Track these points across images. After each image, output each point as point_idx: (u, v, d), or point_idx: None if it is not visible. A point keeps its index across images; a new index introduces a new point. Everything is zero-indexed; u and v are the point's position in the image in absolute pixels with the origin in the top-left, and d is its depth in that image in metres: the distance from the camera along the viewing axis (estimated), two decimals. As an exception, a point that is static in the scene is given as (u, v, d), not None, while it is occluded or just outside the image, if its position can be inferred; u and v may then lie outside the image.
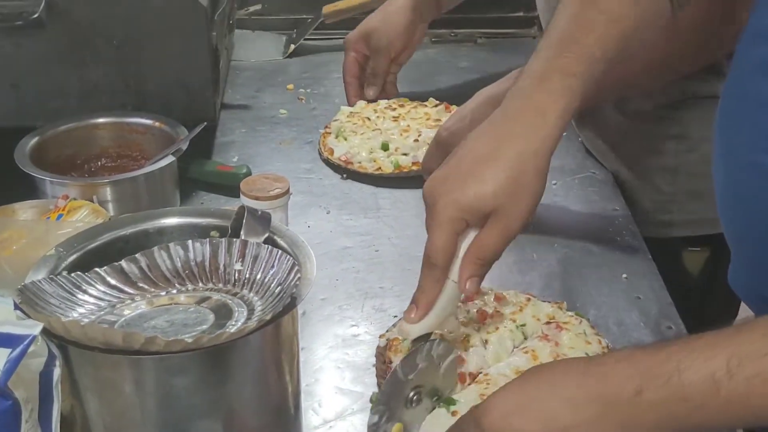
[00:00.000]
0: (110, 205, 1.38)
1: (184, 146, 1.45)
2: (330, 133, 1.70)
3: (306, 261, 0.90)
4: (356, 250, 1.42)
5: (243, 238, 0.93)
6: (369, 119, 1.72)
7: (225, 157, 1.66)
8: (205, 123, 1.48)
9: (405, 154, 1.60)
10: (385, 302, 1.30)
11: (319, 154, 1.68)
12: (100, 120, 1.53)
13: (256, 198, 1.30)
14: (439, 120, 1.67)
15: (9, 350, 0.72)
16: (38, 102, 1.55)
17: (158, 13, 1.51)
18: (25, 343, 0.72)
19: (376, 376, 1.16)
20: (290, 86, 1.94)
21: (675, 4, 1.15)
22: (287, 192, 1.32)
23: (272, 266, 0.89)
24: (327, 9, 2.06)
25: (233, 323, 0.84)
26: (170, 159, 1.42)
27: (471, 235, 1.03)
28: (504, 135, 1.04)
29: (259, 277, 0.89)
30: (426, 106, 1.76)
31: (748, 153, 0.98)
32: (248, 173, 1.55)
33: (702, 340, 0.82)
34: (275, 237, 0.95)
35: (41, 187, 1.39)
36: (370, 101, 1.78)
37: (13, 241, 1.21)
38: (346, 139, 1.66)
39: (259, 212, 0.95)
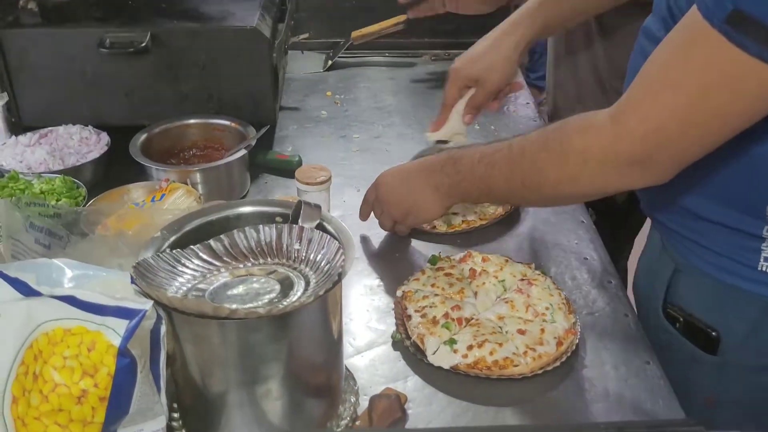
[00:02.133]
0: (199, 186, 1.33)
1: (253, 143, 1.39)
2: None
3: (348, 244, 0.85)
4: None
5: (300, 224, 0.88)
6: None
7: (282, 148, 1.60)
8: (268, 126, 1.43)
9: (454, 213, 1.31)
10: (401, 260, 1.25)
11: None
12: (191, 121, 1.48)
13: (308, 183, 1.25)
14: None
15: (127, 321, 0.67)
16: (145, 107, 1.49)
17: (232, 43, 1.45)
18: (140, 315, 0.68)
19: (395, 318, 1.11)
20: (329, 93, 1.87)
21: None
22: (329, 179, 1.27)
23: (323, 247, 0.84)
24: (355, 34, 1.98)
25: (294, 293, 0.79)
26: (243, 152, 1.37)
27: (469, 93, 1.32)
28: (490, 43, 1.31)
29: (312, 256, 0.84)
30: None
31: None
32: (299, 161, 1.49)
33: (477, 145, 1.11)
34: (324, 223, 0.89)
35: (149, 172, 1.34)
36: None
37: (128, 217, 1.16)
38: None
39: (312, 204, 0.89)
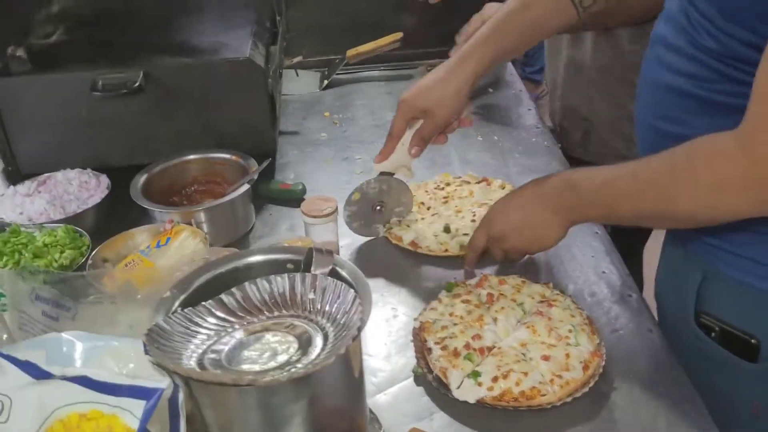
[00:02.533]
0: (204, 225, 1.30)
1: (255, 176, 1.36)
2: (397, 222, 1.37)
3: (364, 290, 0.82)
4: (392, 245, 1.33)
5: (313, 272, 0.85)
6: (423, 203, 1.42)
7: (284, 176, 1.57)
8: (270, 159, 1.39)
9: (465, 234, 1.28)
10: (416, 289, 1.22)
11: (388, 240, 1.34)
12: (191, 157, 1.45)
13: (314, 216, 1.22)
14: (485, 201, 1.38)
15: (144, 401, 0.64)
16: (143, 145, 1.47)
17: (228, 75, 1.43)
18: (157, 395, 0.65)
19: (415, 351, 1.08)
20: (327, 113, 1.84)
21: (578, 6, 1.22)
22: (335, 210, 1.24)
23: (338, 297, 0.81)
24: (350, 52, 1.95)
25: (313, 348, 0.76)
26: (245, 187, 1.34)
27: (417, 125, 1.26)
28: (441, 76, 1.24)
29: (328, 308, 0.80)
30: (469, 183, 1.46)
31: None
32: (303, 189, 1.46)
33: (592, 169, 1.07)
34: (337, 268, 0.86)
35: (152, 214, 1.31)
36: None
37: (135, 266, 1.13)
38: (409, 226, 1.34)
39: (324, 250, 0.87)
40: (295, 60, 1.80)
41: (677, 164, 0.94)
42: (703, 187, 0.91)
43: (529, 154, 1.60)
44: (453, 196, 1.44)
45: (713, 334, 1.05)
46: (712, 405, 0.99)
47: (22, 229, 1.25)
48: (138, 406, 0.64)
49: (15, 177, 1.47)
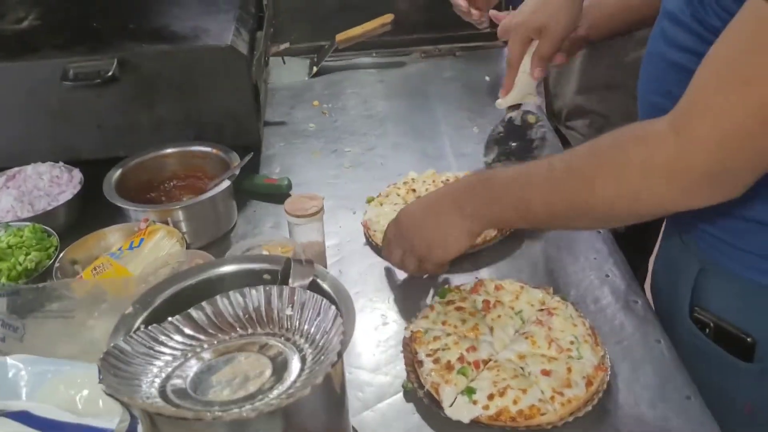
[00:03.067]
0: (182, 224, 1.22)
1: (237, 172, 1.28)
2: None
3: (346, 305, 0.74)
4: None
5: (291, 284, 0.77)
6: (414, 191, 1.32)
7: (270, 169, 1.48)
8: (252, 153, 1.31)
9: None
10: (406, 294, 1.14)
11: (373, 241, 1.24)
12: (169, 150, 1.37)
13: (298, 216, 1.13)
14: None
15: (92, 444, 0.57)
16: (119, 138, 1.38)
17: (208, 63, 1.33)
18: (106, 437, 0.57)
19: (405, 363, 1.00)
20: (315, 102, 1.75)
21: None
22: (321, 209, 1.15)
23: (318, 314, 0.73)
24: (339, 37, 1.86)
25: (288, 374, 0.68)
26: (227, 183, 1.26)
27: (534, 45, 1.21)
28: None
29: (306, 327, 0.72)
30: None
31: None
32: (289, 184, 1.38)
33: (511, 165, 1.06)
34: (319, 281, 0.78)
35: (126, 213, 1.23)
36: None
37: (103, 270, 1.05)
38: (381, 205, 1.29)
39: (303, 261, 0.78)
40: (282, 47, 1.71)
41: (602, 150, 0.88)
42: (630, 167, 0.84)
43: (528, 148, 1.51)
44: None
45: (708, 331, 0.99)
46: (707, 402, 0.93)
47: (-14, 228, 1.17)
48: (85, 449, 0.57)
49: (-18, 171, 1.38)
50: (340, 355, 0.66)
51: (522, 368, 0.95)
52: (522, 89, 1.25)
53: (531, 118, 1.29)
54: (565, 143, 1.61)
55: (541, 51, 1.21)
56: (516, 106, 1.28)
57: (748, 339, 0.95)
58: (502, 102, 1.28)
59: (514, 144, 1.29)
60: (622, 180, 0.85)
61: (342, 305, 0.74)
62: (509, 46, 1.23)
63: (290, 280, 0.78)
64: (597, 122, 1.64)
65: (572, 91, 1.66)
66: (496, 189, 0.97)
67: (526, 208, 0.95)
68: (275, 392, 0.65)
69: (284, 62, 1.83)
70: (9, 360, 0.66)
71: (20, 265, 1.09)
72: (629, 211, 0.89)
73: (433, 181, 1.35)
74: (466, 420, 0.90)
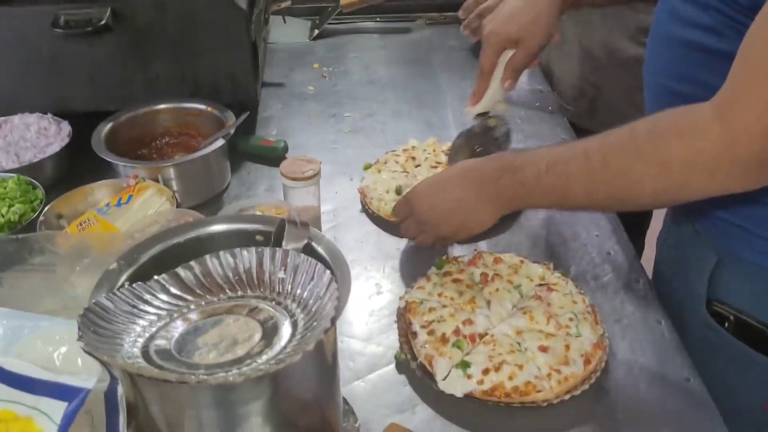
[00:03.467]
0: (173, 182, 1.19)
1: (232, 131, 1.24)
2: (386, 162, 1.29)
3: (342, 270, 0.71)
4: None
5: (285, 246, 0.73)
6: (414, 159, 1.29)
7: (266, 131, 1.44)
8: (248, 113, 1.26)
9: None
10: (402, 263, 1.11)
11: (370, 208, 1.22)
12: (162, 106, 1.33)
13: (294, 179, 1.10)
14: None
15: (66, 403, 0.53)
16: (110, 91, 1.33)
17: (206, 17, 1.28)
18: (80, 397, 0.54)
19: (398, 334, 0.97)
20: (316, 65, 1.70)
21: None
22: (318, 172, 1.11)
23: (311, 278, 0.69)
24: (344, 1, 1.80)
25: (278, 338, 0.65)
26: (221, 142, 1.22)
27: (508, 54, 1.15)
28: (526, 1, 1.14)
29: (299, 291, 0.69)
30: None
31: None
32: (285, 147, 1.34)
33: (537, 150, 0.95)
34: (314, 244, 0.75)
35: (115, 168, 1.19)
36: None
37: (89, 226, 1.01)
38: (379, 172, 1.26)
39: (298, 222, 0.75)
40: (284, 5, 1.66)
41: (641, 142, 0.84)
42: (674, 164, 0.81)
43: (532, 121, 1.47)
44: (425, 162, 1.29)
45: (727, 324, 0.96)
46: (720, 400, 0.90)
47: (-31, 178, 1.13)
48: (58, 408, 0.53)
49: (-32, 120, 1.33)
50: (333, 321, 0.63)
51: (519, 344, 0.92)
52: (493, 97, 1.19)
53: (492, 121, 1.22)
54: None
55: (516, 63, 1.15)
56: (484, 114, 1.22)
57: None
58: (471, 110, 1.21)
59: (479, 149, 1.22)
60: (666, 176, 0.82)
61: (337, 270, 0.71)
62: (483, 53, 1.16)
63: (284, 242, 0.74)
64: (590, 93, 1.61)
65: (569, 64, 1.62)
66: (528, 179, 0.93)
67: (562, 198, 0.92)
68: (264, 357, 0.62)
69: (285, 21, 1.77)
70: (-16, 311, 0.63)
71: (2, 216, 1.05)
72: (675, 200, 0.90)
73: (434, 150, 1.31)
74: (459, 394, 0.87)
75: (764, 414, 0.96)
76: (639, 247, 1.58)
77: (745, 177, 0.79)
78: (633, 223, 1.51)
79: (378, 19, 1.89)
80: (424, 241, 1.06)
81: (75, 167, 1.25)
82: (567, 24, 1.58)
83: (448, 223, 1.02)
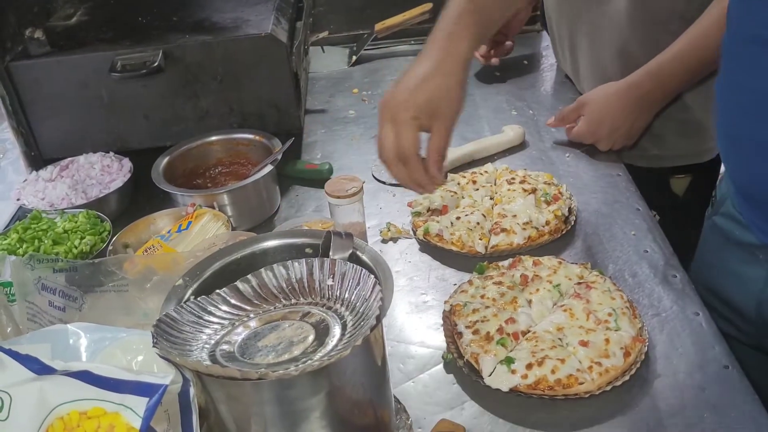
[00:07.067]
0: (228, 208, 1.27)
1: (279, 157, 1.32)
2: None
3: (385, 276, 0.77)
4: (419, 226, 1.28)
5: (332, 256, 0.80)
6: (474, 182, 1.33)
7: (311, 155, 1.52)
8: (293, 138, 1.35)
9: (502, 230, 1.20)
10: (445, 272, 1.17)
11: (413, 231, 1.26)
12: (213, 138, 1.42)
13: (338, 197, 1.17)
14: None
15: (147, 399, 0.61)
16: (164, 127, 1.44)
17: (249, 53, 1.38)
18: (159, 392, 0.61)
19: (445, 335, 1.03)
20: (355, 90, 1.79)
21: None
22: (361, 188, 1.18)
23: (358, 283, 0.76)
24: (379, 26, 1.89)
25: (330, 338, 0.72)
26: (269, 168, 1.30)
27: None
28: (435, 67, 0.99)
29: (346, 296, 0.76)
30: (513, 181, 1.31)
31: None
32: (330, 169, 1.42)
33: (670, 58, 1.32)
34: (358, 253, 0.81)
35: (174, 198, 1.28)
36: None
37: (154, 251, 1.10)
38: (438, 222, 1.23)
39: (343, 234, 0.82)
40: (321, 35, 1.75)
41: None
42: None
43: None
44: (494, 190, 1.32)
45: None
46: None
47: (43, 215, 1.23)
48: (141, 403, 0.61)
49: (37, 162, 1.45)
50: (379, 319, 0.69)
51: (560, 339, 0.97)
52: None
53: None
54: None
55: (437, 145, 0.99)
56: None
57: None
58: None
59: None
60: None
61: (380, 274, 0.77)
62: (402, 136, 0.98)
63: (331, 253, 0.81)
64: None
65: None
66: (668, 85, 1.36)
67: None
68: (318, 355, 0.69)
69: (323, 51, 1.86)
70: (70, 327, 0.71)
71: (76, 248, 1.14)
72: None
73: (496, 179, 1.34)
74: (505, 388, 0.93)
75: None
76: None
77: None
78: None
79: (412, 42, 1.97)
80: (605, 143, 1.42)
81: (137, 199, 1.35)
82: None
83: (616, 135, 1.39)
